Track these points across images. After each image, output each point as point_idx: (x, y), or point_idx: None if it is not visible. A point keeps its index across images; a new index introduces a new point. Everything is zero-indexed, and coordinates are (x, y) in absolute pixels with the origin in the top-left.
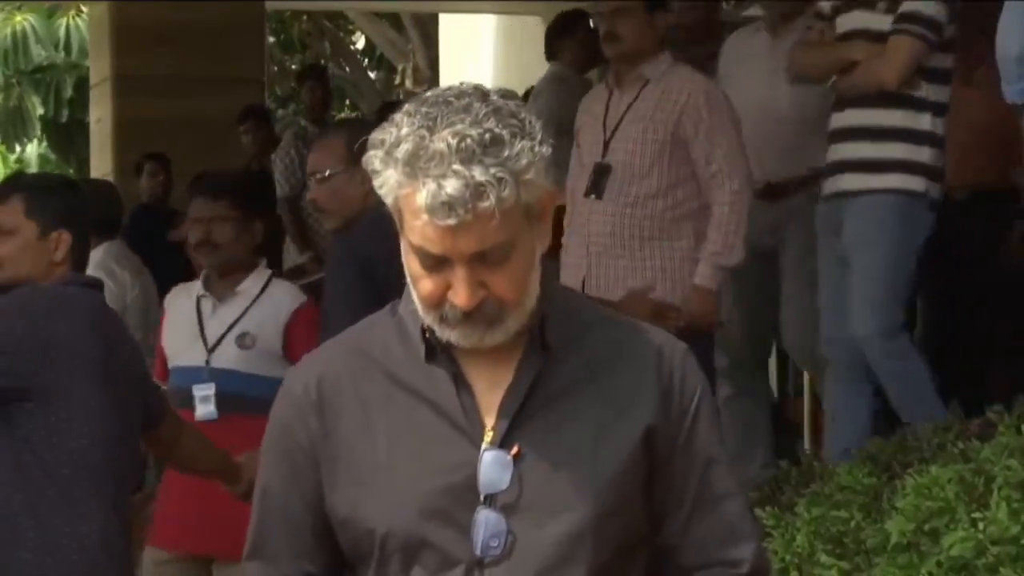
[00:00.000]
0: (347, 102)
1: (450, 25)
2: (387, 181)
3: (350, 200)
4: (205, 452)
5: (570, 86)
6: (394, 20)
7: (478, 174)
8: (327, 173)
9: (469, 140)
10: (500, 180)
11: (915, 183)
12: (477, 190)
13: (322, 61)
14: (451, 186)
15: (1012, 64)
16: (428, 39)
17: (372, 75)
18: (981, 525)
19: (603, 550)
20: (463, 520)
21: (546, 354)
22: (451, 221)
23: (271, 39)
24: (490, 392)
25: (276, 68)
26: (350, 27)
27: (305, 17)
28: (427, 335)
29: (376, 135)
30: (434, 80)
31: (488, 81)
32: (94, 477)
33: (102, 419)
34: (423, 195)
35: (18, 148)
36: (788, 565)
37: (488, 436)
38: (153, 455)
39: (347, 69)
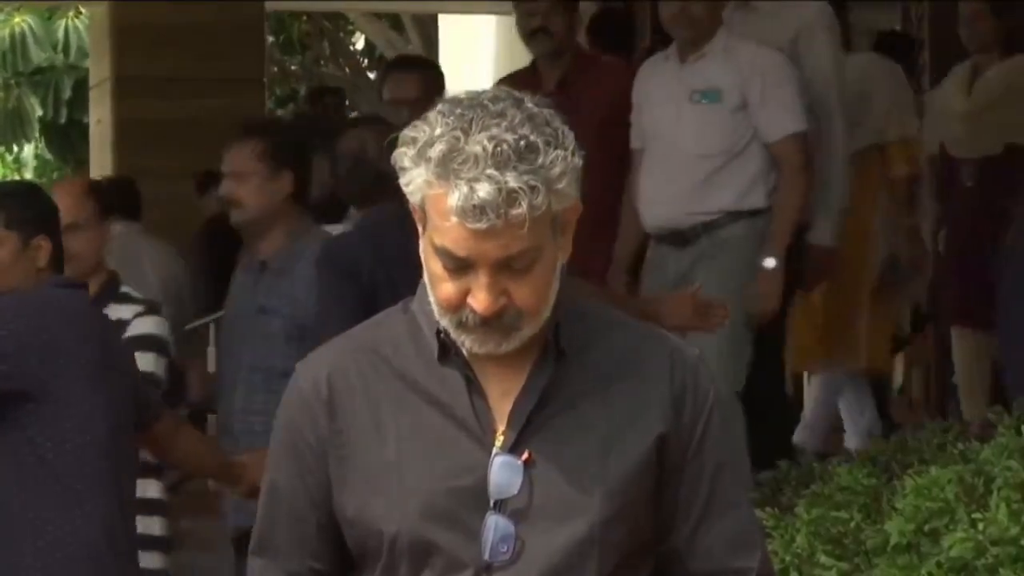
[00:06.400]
0: (346, 103)
1: (450, 26)
2: (415, 180)
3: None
4: (204, 453)
5: None
6: (394, 21)
7: (511, 180)
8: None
9: (505, 146)
10: (533, 188)
11: None
12: (510, 196)
13: (321, 61)
14: (484, 190)
15: None
16: (428, 40)
17: (371, 76)
18: (981, 526)
19: (611, 557)
20: (472, 524)
21: (559, 360)
22: (482, 225)
23: (270, 39)
24: (502, 397)
25: (276, 69)
26: (350, 27)
27: (305, 17)
28: (441, 336)
29: (407, 132)
30: None
31: (487, 82)
32: (96, 475)
33: (99, 418)
34: (455, 197)
35: (15, 149)
36: (788, 566)
37: (499, 441)
38: (152, 456)
39: (346, 70)
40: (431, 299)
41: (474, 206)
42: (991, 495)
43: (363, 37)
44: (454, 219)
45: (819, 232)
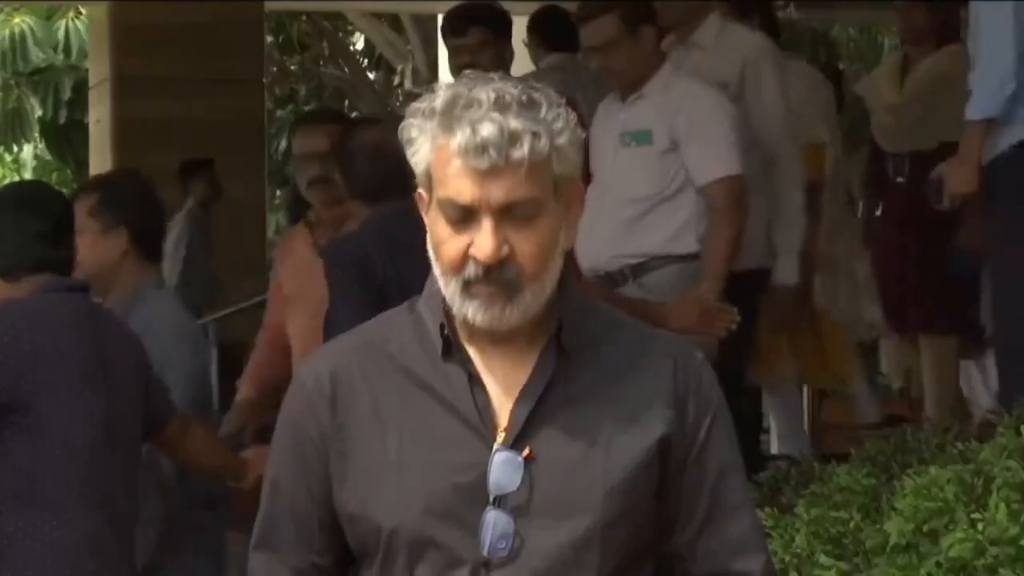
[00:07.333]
0: (346, 103)
1: None
2: (422, 145)
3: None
4: (211, 450)
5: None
6: (393, 21)
7: (513, 123)
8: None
9: (508, 96)
10: (535, 133)
11: None
12: (512, 137)
13: (320, 62)
14: (487, 130)
15: (1000, 71)
16: (427, 40)
17: (371, 76)
18: (980, 526)
19: (611, 557)
20: (472, 520)
21: (562, 358)
22: (484, 164)
23: (270, 39)
24: (504, 393)
25: (275, 69)
26: (349, 27)
27: (304, 18)
28: (444, 333)
29: (413, 105)
30: (433, 81)
31: None
32: (77, 486)
33: (81, 429)
34: (458, 139)
35: (15, 149)
36: (787, 566)
37: (500, 437)
38: (164, 455)
39: (346, 70)
40: (436, 272)
41: (477, 145)
42: (990, 495)
43: (363, 37)
44: (458, 162)
45: (783, 272)
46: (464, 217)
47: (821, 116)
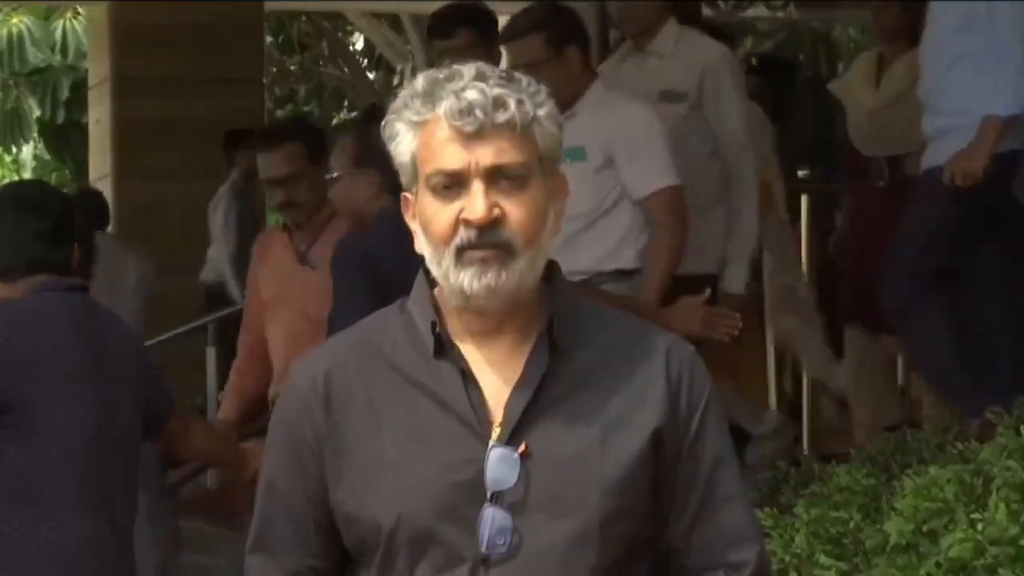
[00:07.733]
0: (345, 103)
1: None
2: (404, 138)
3: (356, 200)
4: (211, 443)
5: None
6: (393, 21)
7: (496, 89)
8: (335, 174)
9: (488, 71)
10: (519, 100)
11: None
12: (496, 101)
13: (320, 62)
14: (471, 95)
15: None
16: (427, 40)
17: (371, 76)
18: (980, 526)
19: (609, 551)
20: (470, 517)
21: (554, 353)
22: (471, 126)
23: (270, 39)
24: (498, 389)
25: (275, 69)
26: (349, 27)
27: (304, 18)
28: (436, 330)
29: (394, 103)
30: None
31: None
32: (73, 487)
33: (83, 425)
34: (443, 107)
35: (14, 150)
36: (787, 566)
37: (495, 433)
38: (166, 450)
39: (346, 70)
40: (428, 255)
41: (463, 108)
42: (990, 495)
43: (362, 37)
44: (444, 131)
45: (732, 281)
46: (453, 186)
47: (764, 156)
